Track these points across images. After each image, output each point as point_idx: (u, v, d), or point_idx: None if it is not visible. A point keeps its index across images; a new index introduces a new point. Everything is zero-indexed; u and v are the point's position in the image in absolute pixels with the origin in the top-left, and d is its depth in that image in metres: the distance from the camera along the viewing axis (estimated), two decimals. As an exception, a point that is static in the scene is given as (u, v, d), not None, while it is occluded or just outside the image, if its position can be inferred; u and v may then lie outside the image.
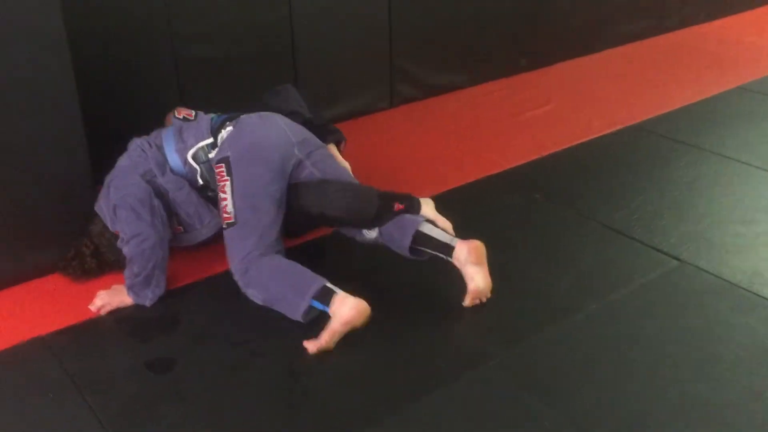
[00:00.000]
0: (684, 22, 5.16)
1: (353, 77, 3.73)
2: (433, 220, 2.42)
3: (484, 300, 2.36)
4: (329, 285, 2.21)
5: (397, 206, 2.41)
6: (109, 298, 2.38)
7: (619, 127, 3.68)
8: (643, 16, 4.88)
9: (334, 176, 2.50)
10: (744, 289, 2.46)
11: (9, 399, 2.06)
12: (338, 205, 2.43)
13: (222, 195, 2.37)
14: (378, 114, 3.86)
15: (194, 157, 2.46)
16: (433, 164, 3.36)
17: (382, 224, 2.41)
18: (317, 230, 2.74)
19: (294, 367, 2.15)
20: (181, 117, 2.54)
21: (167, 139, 2.49)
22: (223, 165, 2.37)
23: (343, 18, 3.59)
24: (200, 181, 2.47)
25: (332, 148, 2.68)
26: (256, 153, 2.40)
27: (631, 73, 4.44)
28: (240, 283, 2.32)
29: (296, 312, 2.22)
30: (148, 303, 2.38)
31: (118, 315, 2.38)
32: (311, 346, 2.16)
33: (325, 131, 2.71)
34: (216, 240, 2.52)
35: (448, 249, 2.33)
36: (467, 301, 2.35)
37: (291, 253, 2.42)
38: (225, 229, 2.37)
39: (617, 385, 2.09)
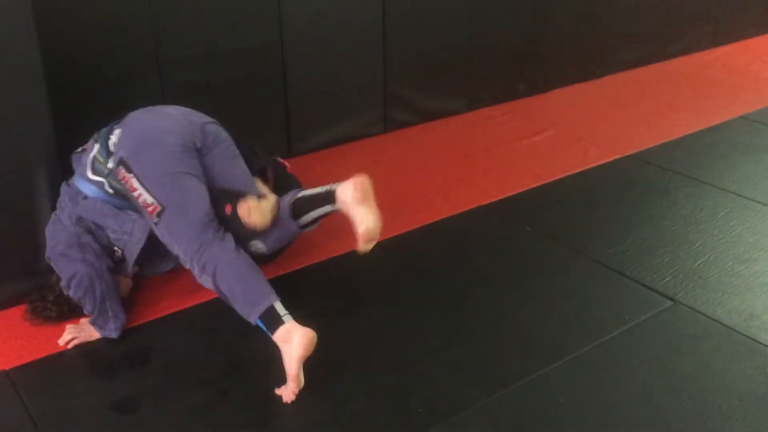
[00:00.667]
0: (686, 49, 5.08)
1: (346, 102, 3.66)
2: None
3: (375, 241, 2.27)
4: (277, 307, 2.11)
5: (227, 209, 2.28)
6: (77, 332, 2.32)
7: (616, 156, 3.59)
8: (644, 42, 4.80)
9: (223, 183, 2.38)
10: (740, 333, 2.35)
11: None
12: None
13: (134, 194, 2.26)
14: (371, 139, 3.78)
15: (94, 172, 2.37)
16: (423, 192, 3.27)
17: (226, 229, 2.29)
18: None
19: (264, 412, 2.06)
20: (79, 150, 2.46)
21: (75, 172, 2.45)
22: (122, 167, 2.28)
23: (336, 41, 3.52)
24: (110, 191, 2.36)
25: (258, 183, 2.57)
26: (148, 141, 2.30)
27: (631, 101, 4.36)
28: (194, 270, 2.22)
29: (247, 317, 2.15)
30: (114, 335, 2.31)
31: (86, 349, 2.30)
32: (286, 395, 2.08)
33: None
34: (185, 272, 2.42)
35: (330, 195, 2.29)
36: (360, 245, 2.27)
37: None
38: (157, 223, 2.26)
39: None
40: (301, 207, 2.33)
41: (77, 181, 2.40)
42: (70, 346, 2.29)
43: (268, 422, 2.02)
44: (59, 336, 2.31)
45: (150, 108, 2.45)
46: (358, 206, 2.23)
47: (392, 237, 2.88)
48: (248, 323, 2.16)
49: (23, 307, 2.41)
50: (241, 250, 2.25)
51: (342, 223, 2.95)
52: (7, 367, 2.21)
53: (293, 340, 2.06)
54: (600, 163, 3.53)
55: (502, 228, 3.00)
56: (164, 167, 2.27)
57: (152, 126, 2.36)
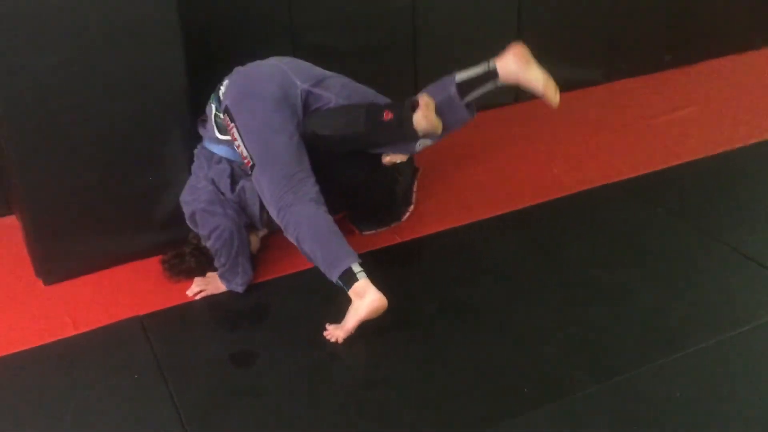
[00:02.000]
0: None
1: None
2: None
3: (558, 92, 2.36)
4: (354, 268, 2.15)
5: (387, 115, 2.30)
6: (205, 284, 2.45)
7: (766, 137, 3.32)
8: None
9: (353, 99, 2.42)
10: None
11: (98, 375, 2.14)
12: (326, 123, 2.37)
13: (236, 143, 2.35)
14: (501, 109, 3.69)
15: (220, 131, 2.44)
16: (551, 165, 3.18)
17: (378, 139, 2.33)
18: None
19: (370, 376, 2.10)
20: (203, 117, 2.55)
21: (203, 138, 2.54)
22: (226, 115, 2.36)
23: (469, 9, 3.45)
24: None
25: None
26: (250, 90, 2.37)
27: (791, 75, 4.01)
28: (280, 225, 2.28)
29: (328, 277, 2.20)
30: (239, 289, 2.42)
31: (212, 301, 2.43)
32: (331, 335, 2.17)
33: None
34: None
35: (492, 73, 2.35)
36: (550, 100, 2.38)
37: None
38: (250, 177, 2.35)
39: (720, 434, 1.88)
40: (463, 89, 2.37)
41: (208, 144, 2.51)
42: (197, 297, 2.43)
43: (374, 386, 2.07)
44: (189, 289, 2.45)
45: (258, 61, 2.51)
46: (525, 71, 2.31)
47: (516, 210, 2.84)
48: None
49: (158, 258, 2.56)
50: (322, 210, 2.25)
51: (462, 193, 2.96)
52: (141, 312, 2.38)
53: (365, 298, 2.11)
54: (747, 143, 3.28)
55: (632, 208, 2.87)
56: (258, 120, 2.32)
57: (254, 76, 2.42)
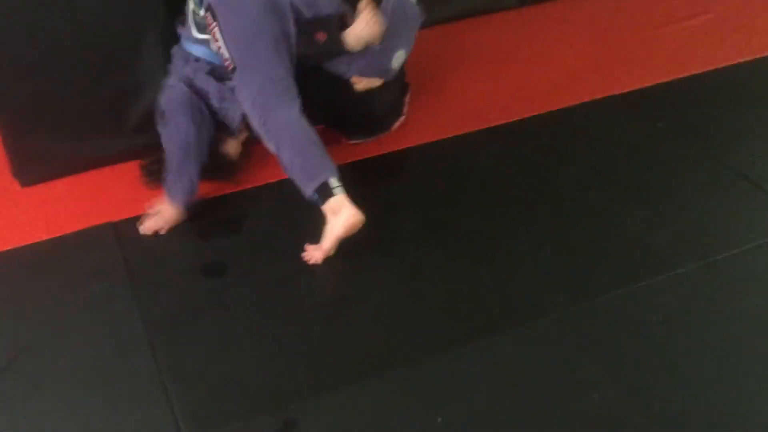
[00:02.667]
0: None
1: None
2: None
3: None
4: (332, 182, 2.06)
5: (320, 36, 2.22)
6: (154, 219, 2.28)
7: (782, 50, 3.14)
8: None
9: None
10: None
11: (66, 281, 2.11)
12: None
13: (216, 45, 2.24)
14: (504, 13, 3.49)
15: (198, 29, 2.33)
16: (550, 77, 3.02)
17: (322, 59, 2.28)
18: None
19: (342, 292, 2.06)
20: (181, 17, 2.42)
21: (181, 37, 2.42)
22: (209, 13, 2.24)
23: None
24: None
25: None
26: None
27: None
28: (260, 133, 2.19)
29: (303, 191, 2.11)
30: (179, 204, 2.26)
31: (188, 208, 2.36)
32: (309, 256, 2.11)
33: None
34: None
35: None
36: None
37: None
38: (231, 80, 2.25)
39: (694, 359, 1.84)
40: None
41: (186, 45, 2.39)
42: (149, 232, 2.26)
43: (345, 302, 2.03)
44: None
45: None
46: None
47: (505, 123, 2.72)
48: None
49: (135, 163, 2.49)
50: (304, 121, 2.16)
51: (454, 104, 2.83)
52: (115, 218, 2.33)
53: (340, 215, 2.04)
54: (760, 56, 3.10)
55: (630, 122, 2.75)
56: (243, 20, 2.20)
57: None
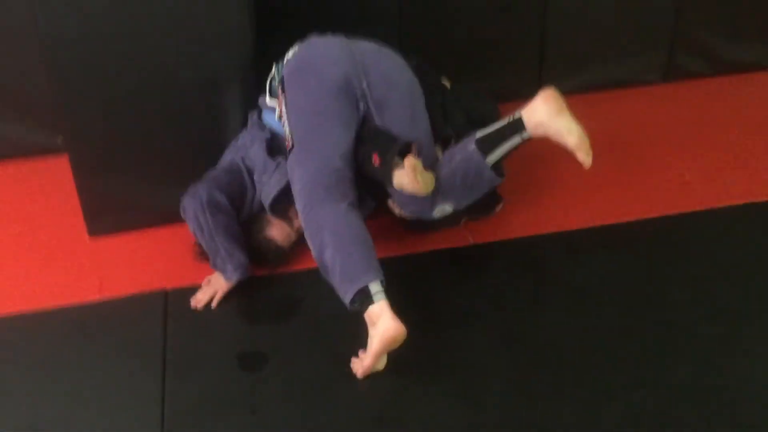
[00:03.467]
0: None
1: (618, 39, 3.02)
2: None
3: (591, 150, 1.99)
4: (372, 287, 1.81)
5: (375, 159, 1.96)
6: (204, 290, 2.13)
7: None
8: None
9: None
10: None
11: (101, 351, 1.98)
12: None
13: (282, 119, 2.09)
14: (645, 88, 3.11)
15: (271, 94, 2.19)
16: (689, 167, 2.61)
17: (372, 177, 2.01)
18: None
19: (382, 413, 1.79)
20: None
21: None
22: (281, 85, 2.09)
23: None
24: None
25: None
26: (310, 65, 2.08)
27: None
28: (302, 221, 1.99)
29: (342, 297, 1.86)
30: (232, 277, 2.10)
31: (242, 285, 2.15)
32: (358, 369, 1.85)
33: None
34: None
35: (518, 123, 1.98)
36: (581, 157, 2.00)
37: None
38: (287, 160, 2.06)
39: None
40: (485, 145, 2.01)
41: (264, 114, 2.25)
42: (200, 306, 2.10)
43: (382, 426, 1.76)
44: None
45: (332, 37, 2.16)
46: (556, 120, 1.93)
47: (617, 224, 2.35)
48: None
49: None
50: (353, 216, 1.93)
51: (558, 195, 2.49)
52: (170, 285, 2.18)
53: (378, 327, 1.78)
54: None
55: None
56: (310, 101, 2.03)
57: (321, 52, 2.11)
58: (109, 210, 2.39)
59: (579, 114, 2.50)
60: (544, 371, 1.87)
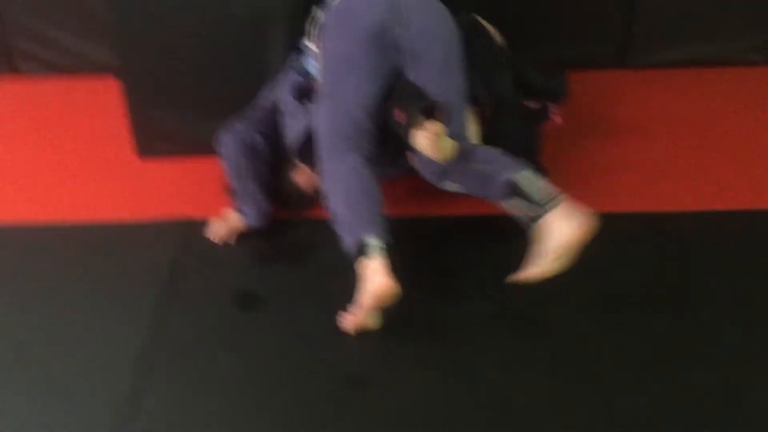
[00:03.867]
0: None
1: (719, 14, 2.73)
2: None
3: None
4: (369, 240, 1.76)
5: (398, 114, 1.86)
6: (218, 227, 2.15)
7: None
8: None
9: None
10: None
11: (110, 272, 2.05)
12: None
13: (318, 64, 2.05)
14: (743, 69, 2.82)
15: (309, 37, 2.11)
16: (760, 158, 2.38)
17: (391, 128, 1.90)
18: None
19: (366, 374, 1.75)
20: None
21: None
22: (321, 30, 2.04)
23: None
24: None
25: None
26: (349, 10, 1.98)
27: None
28: (319, 167, 1.98)
29: (343, 245, 1.83)
30: (252, 222, 2.13)
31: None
32: (348, 323, 1.81)
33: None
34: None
35: (543, 210, 1.79)
36: (530, 274, 1.78)
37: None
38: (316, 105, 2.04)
39: None
40: (513, 191, 1.85)
41: (303, 57, 2.20)
42: (217, 239, 2.13)
43: (368, 387, 1.72)
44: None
45: None
46: (564, 248, 1.74)
47: (672, 212, 2.18)
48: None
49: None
50: (367, 171, 1.88)
51: (619, 173, 2.32)
52: (197, 214, 2.19)
53: (368, 282, 1.74)
54: None
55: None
56: (340, 49, 1.96)
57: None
58: (157, 135, 2.46)
59: (672, 92, 2.33)
60: (546, 354, 1.78)
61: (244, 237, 2.14)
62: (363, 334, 1.81)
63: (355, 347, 1.81)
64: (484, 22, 2.27)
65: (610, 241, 2.06)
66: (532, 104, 2.19)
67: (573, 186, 2.24)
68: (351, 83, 1.94)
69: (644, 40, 2.79)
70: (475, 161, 1.90)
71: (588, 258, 1.77)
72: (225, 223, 2.14)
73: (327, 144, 1.93)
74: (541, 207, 1.78)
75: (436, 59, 1.95)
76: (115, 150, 2.51)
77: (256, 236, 2.14)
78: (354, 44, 1.94)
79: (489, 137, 2.05)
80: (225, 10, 2.23)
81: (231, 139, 2.16)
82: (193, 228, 2.17)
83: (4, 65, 2.95)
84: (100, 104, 2.71)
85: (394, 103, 1.92)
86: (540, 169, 2.22)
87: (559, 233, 1.74)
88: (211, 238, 2.13)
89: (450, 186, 1.97)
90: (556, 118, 2.18)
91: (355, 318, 1.79)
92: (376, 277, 1.72)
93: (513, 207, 1.85)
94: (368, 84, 1.94)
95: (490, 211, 2.00)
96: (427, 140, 1.81)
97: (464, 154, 1.90)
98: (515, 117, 2.15)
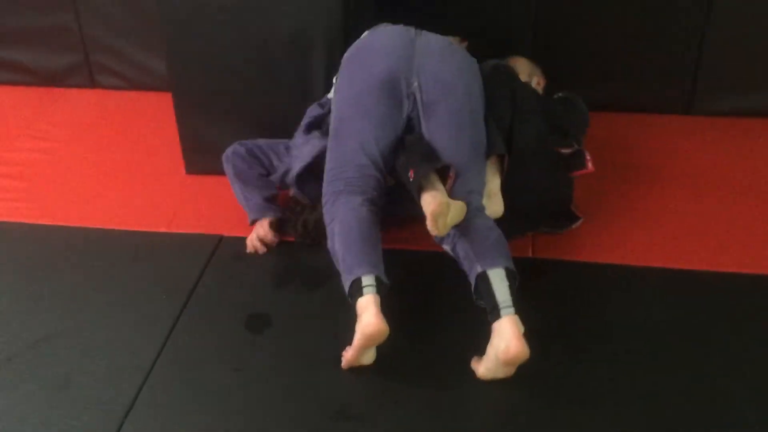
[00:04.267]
0: None
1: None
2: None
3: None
4: (365, 280, 1.76)
5: (411, 174, 1.85)
6: (251, 240, 2.21)
7: None
8: None
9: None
10: None
11: (137, 276, 2.13)
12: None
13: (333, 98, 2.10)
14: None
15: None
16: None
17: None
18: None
19: (347, 408, 1.73)
20: None
21: None
22: (340, 66, 2.07)
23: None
24: None
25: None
26: (364, 53, 2.01)
27: None
28: (323, 203, 2.00)
29: (343, 285, 1.83)
30: (250, 216, 2.24)
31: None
32: (343, 360, 1.80)
33: None
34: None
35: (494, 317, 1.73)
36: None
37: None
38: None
39: None
40: (479, 288, 1.80)
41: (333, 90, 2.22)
42: (253, 251, 2.20)
43: (346, 421, 1.71)
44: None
45: (403, 27, 2.04)
46: (504, 369, 1.71)
47: (715, 272, 2.08)
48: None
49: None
50: (367, 214, 1.89)
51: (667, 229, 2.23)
52: (225, 233, 2.28)
53: (360, 321, 1.73)
54: None
55: None
56: (352, 92, 1.97)
57: (380, 42, 2.01)
58: (205, 152, 2.52)
59: (737, 140, 2.29)
60: (542, 400, 1.71)
61: (275, 256, 2.19)
62: (356, 370, 1.80)
63: (344, 381, 1.79)
64: (519, 65, 2.25)
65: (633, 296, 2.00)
66: (566, 150, 2.12)
67: (605, 234, 2.20)
68: (357, 128, 1.95)
69: (711, 86, 2.69)
70: (467, 239, 1.86)
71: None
72: (254, 232, 2.21)
73: (330, 184, 1.96)
74: (496, 310, 1.72)
75: (449, 112, 1.92)
76: (167, 163, 2.62)
77: (288, 256, 2.20)
78: (363, 90, 1.95)
79: (512, 188, 2.00)
80: (271, 32, 2.28)
81: (231, 151, 2.28)
82: (223, 244, 2.24)
83: (87, 80, 3.17)
84: (164, 119, 2.84)
85: (406, 161, 1.91)
86: (571, 217, 2.18)
87: (503, 344, 1.68)
88: (249, 249, 2.20)
89: (444, 246, 1.95)
90: (589, 164, 2.11)
91: (348, 355, 1.77)
92: (366, 317, 1.71)
93: (477, 296, 1.81)
94: (373, 130, 1.93)
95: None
96: (429, 214, 1.78)
97: (463, 227, 1.86)
98: (541, 166, 2.07)
